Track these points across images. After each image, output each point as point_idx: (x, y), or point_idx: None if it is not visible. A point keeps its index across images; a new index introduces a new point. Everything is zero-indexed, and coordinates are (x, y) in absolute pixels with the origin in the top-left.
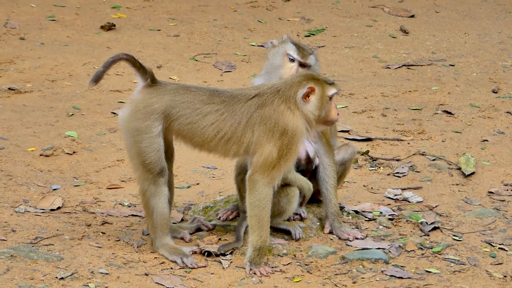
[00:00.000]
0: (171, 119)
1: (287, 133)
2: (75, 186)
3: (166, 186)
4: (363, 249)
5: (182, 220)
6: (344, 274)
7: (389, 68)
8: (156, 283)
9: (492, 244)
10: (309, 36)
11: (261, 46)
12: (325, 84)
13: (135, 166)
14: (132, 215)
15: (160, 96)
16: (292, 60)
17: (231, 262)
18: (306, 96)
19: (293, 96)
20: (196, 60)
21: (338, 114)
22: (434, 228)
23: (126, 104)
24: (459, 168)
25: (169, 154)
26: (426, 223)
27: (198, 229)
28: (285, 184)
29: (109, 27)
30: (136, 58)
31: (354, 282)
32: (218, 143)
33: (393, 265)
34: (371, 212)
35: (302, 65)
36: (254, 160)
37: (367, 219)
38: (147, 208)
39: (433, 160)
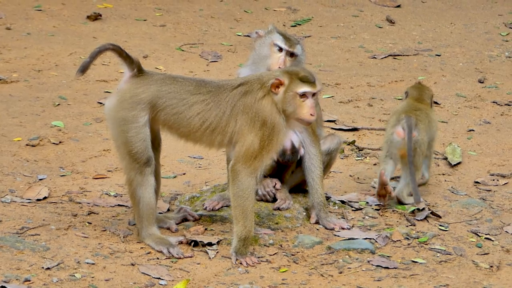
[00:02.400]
0: (158, 109)
1: (267, 124)
2: (61, 176)
3: (152, 176)
4: (349, 239)
5: (168, 210)
6: (331, 264)
7: (375, 58)
8: (142, 273)
9: (478, 234)
10: (295, 26)
11: (247, 36)
12: (296, 79)
13: (121, 155)
14: (118, 205)
15: (147, 86)
16: (280, 50)
17: (217, 252)
18: (275, 87)
19: (266, 84)
20: (182, 50)
21: (312, 115)
22: (426, 217)
23: (112, 94)
24: (446, 158)
25: (156, 144)
26: (418, 209)
27: (185, 219)
28: None
29: (95, 17)
30: (122, 48)
31: (341, 272)
32: (204, 133)
33: (380, 255)
34: (357, 202)
35: (289, 54)
36: (236, 150)
37: (353, 209)
38: (133, 198)
39: None
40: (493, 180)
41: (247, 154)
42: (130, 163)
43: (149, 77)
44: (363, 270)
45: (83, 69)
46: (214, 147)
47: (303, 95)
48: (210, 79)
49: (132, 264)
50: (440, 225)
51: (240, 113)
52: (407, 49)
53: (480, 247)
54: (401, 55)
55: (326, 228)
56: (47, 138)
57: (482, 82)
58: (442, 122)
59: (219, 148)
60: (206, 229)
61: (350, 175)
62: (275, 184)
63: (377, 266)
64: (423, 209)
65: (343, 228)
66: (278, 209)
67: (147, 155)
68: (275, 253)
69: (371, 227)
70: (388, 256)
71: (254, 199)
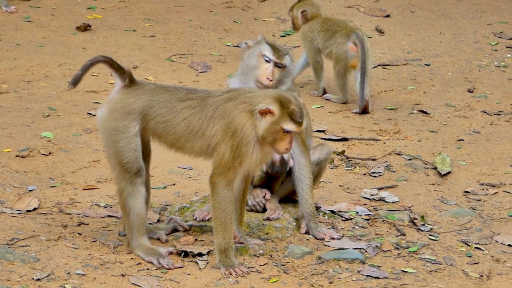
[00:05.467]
0: (148, 118)
1: (237, 133)
2: (51, 187)
3: (143, 186)
4: (339, 249)
5: (158, 220)
6: (321, 274)
7: None
8: (132, 284)
9: (468, 243)
10: (284, 36)
11: (237, 46)
12: (286, 116)
13: (112, 165)
14: (109, 216)
15: (138, 96)
16: (268, 61)
17: (207, 262)
18: (264, 113)
19: (255, 105)
20: (172, 61)
21: (287, 149)
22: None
23: (103, 104)
24: (435, 168)
25: (145, 154)
26: (412, 221)
27: (175, 230)
28: None
29: (85, 27)
30: (113, 59)
31: (331, 282)
32: (187, 138)
33: (370, 265)
34: (347, 212)
35: (277, 65)
36: (213, 161)
37: (343, 219)
38: (124, 208)
39: (409, 159)
40: (483, 189)
41: (221, 165)
42: (121, 173)
43: (140, 87)
44: (353, 280)
45: (75, 81)
46: (197, 154)
47: (288, 132)
48: (202, 89)
49: (122, 275)
50: (430, 235)
51: (218, 117)
52: (397, 59)
53: (470, 256)
54: (390, 65)
55: (316, 238)
56: (36, 149)
57: (472, 92)
58: (432, 131)
59: (202, 155)
60: (196, 239)
61: (340, 185)
62: (265, 194)
63: (367, 276)
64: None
65: (333, 238)
66: (268, 219)
67: (138, 165)
68: (265, 263)
69: (361, 237)
70: (378, 266)
71: (232, 210)
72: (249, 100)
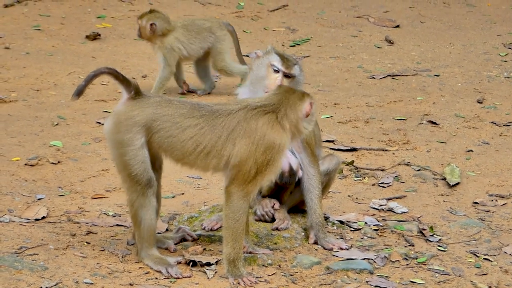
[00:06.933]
0: (152, 132)
1: (271, 149)
2: (60, 195)
3: (154, 197)
4: (348, 259)
5: (167, 230)
6: (329, 284)
7: (374, 78)
8: None
9: (477, 254)
10: (294, 46)
11: (246, 56)
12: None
13: (123, 177)
14: (117, 225)
15: (142, 108)
16: (277, 71)
17: (215, 272)
18: (308, 113)
19: (294, 112)
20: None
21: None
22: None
23: (109, 116)
24: (444, 179)
25: (157, 165)
26: (421, 231)
27: (183, 239)
28: None
29: (94, 36)
30: (118, 71)
31: None
32: (198, 156)
33: (378, 275)
34: (356, 222)
35: (286, 75)
36: (232, 172)
37: (352, 229)
38: (135, 219)
39: (418, 170)
40: (492, 200)
41: (242, 177)
42: (131, 185)
43: (145, 99)
44: None
45: (79, 93)
46: (209, 171)
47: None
48: (205, 103)
49: (131, 284)
50: (439, 246)
51: (240, 136)
52: (406, 69)
53: (478, 267)
54: (400, 75)
55: (324, 248)
56: (45, 158)
57: (481, 103)
58: (441, 142)
59: (215, 171)
60: (204, 249)
61: (349, 195)
62: (274, 204)
63: (376, 286)
64: None
65: (341, 249)
66: (277, 229)
67: (148, 176)
68: (273, 273)
69: (370, 247)
70: (386, 277)
71: (245, 221)
72: (271, 110)
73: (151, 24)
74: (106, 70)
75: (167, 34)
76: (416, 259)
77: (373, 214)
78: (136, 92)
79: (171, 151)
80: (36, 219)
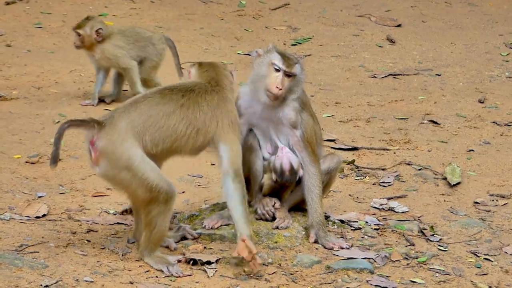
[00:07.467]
0: (141, 136)
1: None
2: (61, 193)
3: (173, 205)
4: (348, 258)
5: None
6: (329, 283)
7: (376, 77)
8: None
9: (477, 254)
10: (295, 45)
11: (248, 54)
12: None
13: (141, 198)
14: (118, 223)
15: (116, 127)
16: (278, 70)
17: (216, 271)
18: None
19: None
20: (183, 68)
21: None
22: (428, 240)
23: (97, 160)
24: (445, 178)
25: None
26: (422, 231)
27: (184, 238)
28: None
29: None
30: (77, 119)
31: None
32: (189, 136)
33: (378, 275)
34: (357, 221)
35: (287, 74)
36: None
37: (352, 228)
38: (149, 224)
39: (419, 169)
40: (493, 200)
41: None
42: (152, 199)
43: (110, 119)
44: None
45: (55, 160)
46: (196, 151)
47: None
48: (169, 85)
49: (131, 282)
50: (439, 245)
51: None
52: (407, 69)
53: (479, 267)
54: (401, 75)
55: (325, 248)
56: (46, 156)
57: (482, 102)
58: (442, 142)
59: (200, 151)
60: (205, 247)
61: (350, 195)
62: (274, 203)
63: (376, 286)
64: None
65: (342, 248)
66: (277, 228)
67: (166, 181)
68: (273, 272)
69: (370, 246)
70: (387, 276)
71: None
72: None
73: (97, 30)
74: (66, 126)
75: (105, 40)
76: (416, 258)
77: (374, 214)
78: (98, 123)
79: (164, 140)
80: (37, 217)
